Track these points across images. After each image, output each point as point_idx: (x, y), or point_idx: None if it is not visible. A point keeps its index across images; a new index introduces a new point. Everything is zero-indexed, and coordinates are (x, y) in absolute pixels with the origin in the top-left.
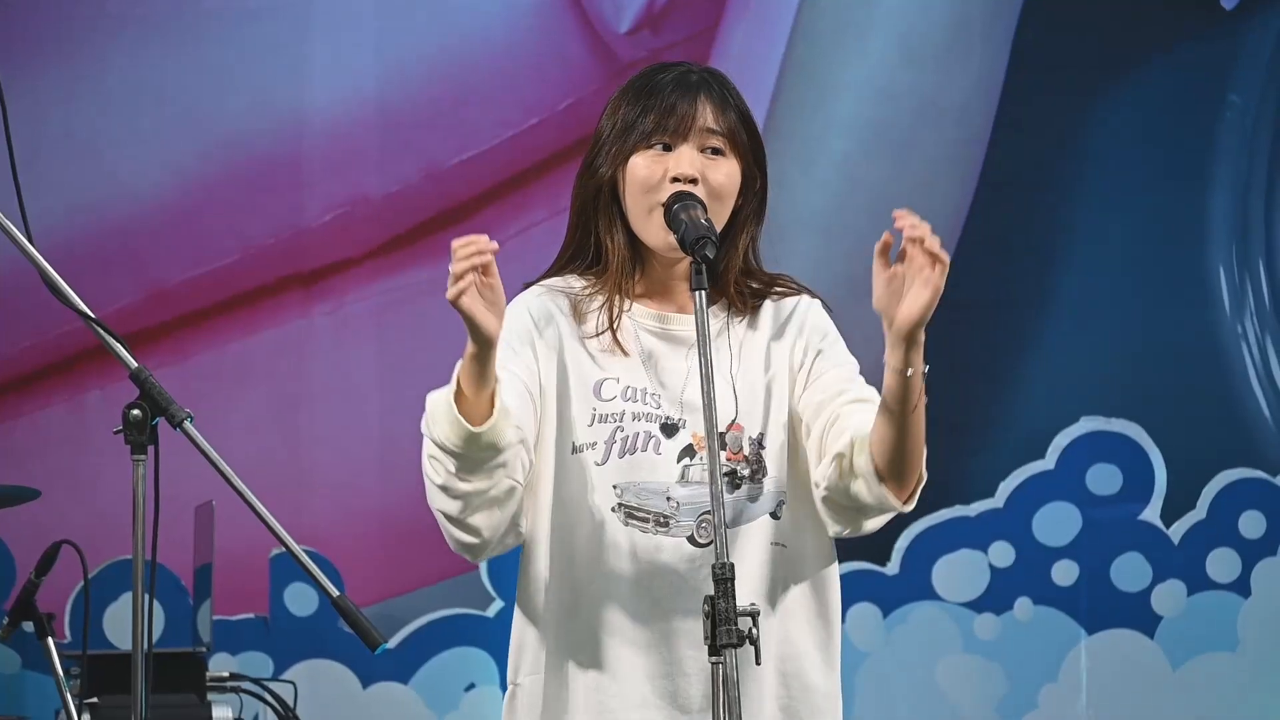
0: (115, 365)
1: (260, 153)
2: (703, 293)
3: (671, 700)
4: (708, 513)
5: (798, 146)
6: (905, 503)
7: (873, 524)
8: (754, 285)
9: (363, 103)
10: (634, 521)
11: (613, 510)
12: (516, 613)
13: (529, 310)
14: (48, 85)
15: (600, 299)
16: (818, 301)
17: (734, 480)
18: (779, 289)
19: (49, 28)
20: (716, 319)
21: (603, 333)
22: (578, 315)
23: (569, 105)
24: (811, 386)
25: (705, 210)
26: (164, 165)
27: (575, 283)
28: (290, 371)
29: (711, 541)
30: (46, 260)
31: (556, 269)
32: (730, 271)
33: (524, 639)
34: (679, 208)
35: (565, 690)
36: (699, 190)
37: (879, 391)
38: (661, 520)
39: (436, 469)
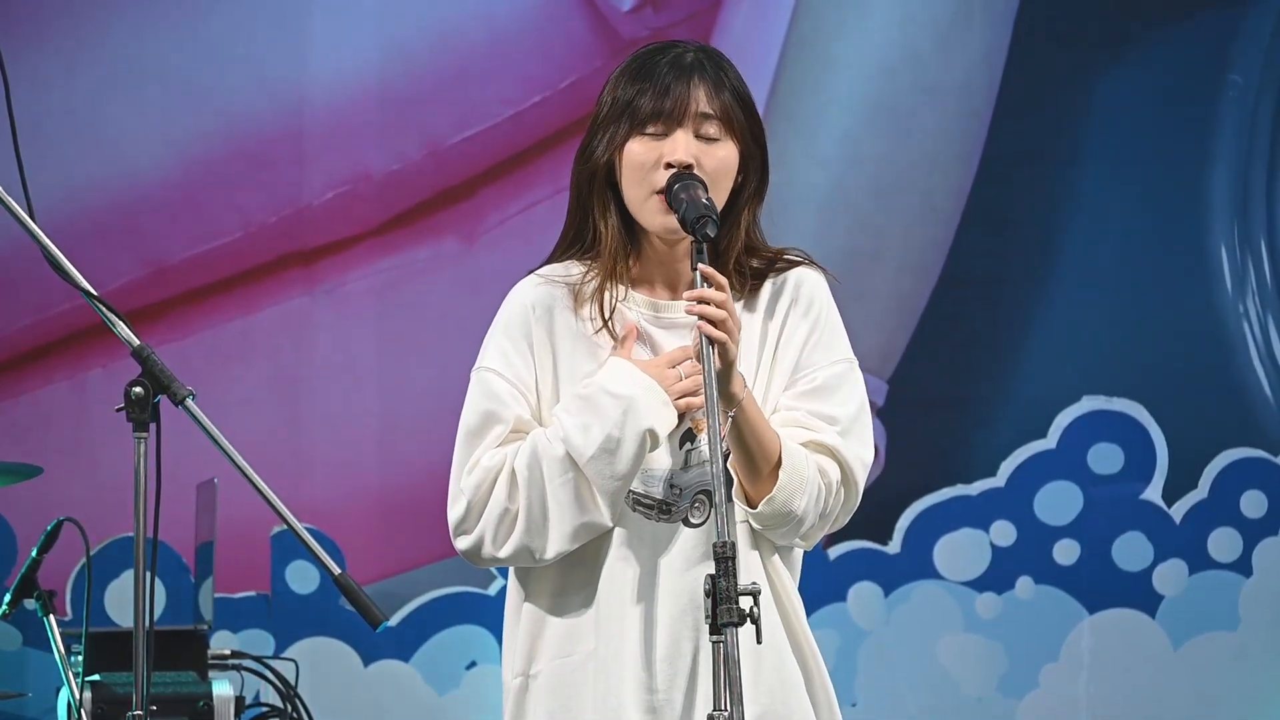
0: (117, 343)
1: (261, 130)
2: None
3: (668, 686)
4: (701, 493)
5: (799, 123)
6: (758, 505)
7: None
8: (755, 264)
9: (364, 80)
10: (640, 508)
11: None
12: (526, 606)
13: (529, 303)
14: (50, 61)
15: (596, 285)
16: (818, 274)
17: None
18: (781, 265)
19: (51, 4)
20: None
21: (599, 331)
22: (577, 304)
23: (570, 83)
24: (791, 397)
25: (707, 190)
26: (166, 142)
27: (574, 269)
28: (292, 349)
29: (703, 523)
30: (48, 237)
31: (559, 253)
32: (731, 251)
33: (536, 628)
34: (679, 187)
35: (577, 674)
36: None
37: (859, 385)
38: (664, 508)
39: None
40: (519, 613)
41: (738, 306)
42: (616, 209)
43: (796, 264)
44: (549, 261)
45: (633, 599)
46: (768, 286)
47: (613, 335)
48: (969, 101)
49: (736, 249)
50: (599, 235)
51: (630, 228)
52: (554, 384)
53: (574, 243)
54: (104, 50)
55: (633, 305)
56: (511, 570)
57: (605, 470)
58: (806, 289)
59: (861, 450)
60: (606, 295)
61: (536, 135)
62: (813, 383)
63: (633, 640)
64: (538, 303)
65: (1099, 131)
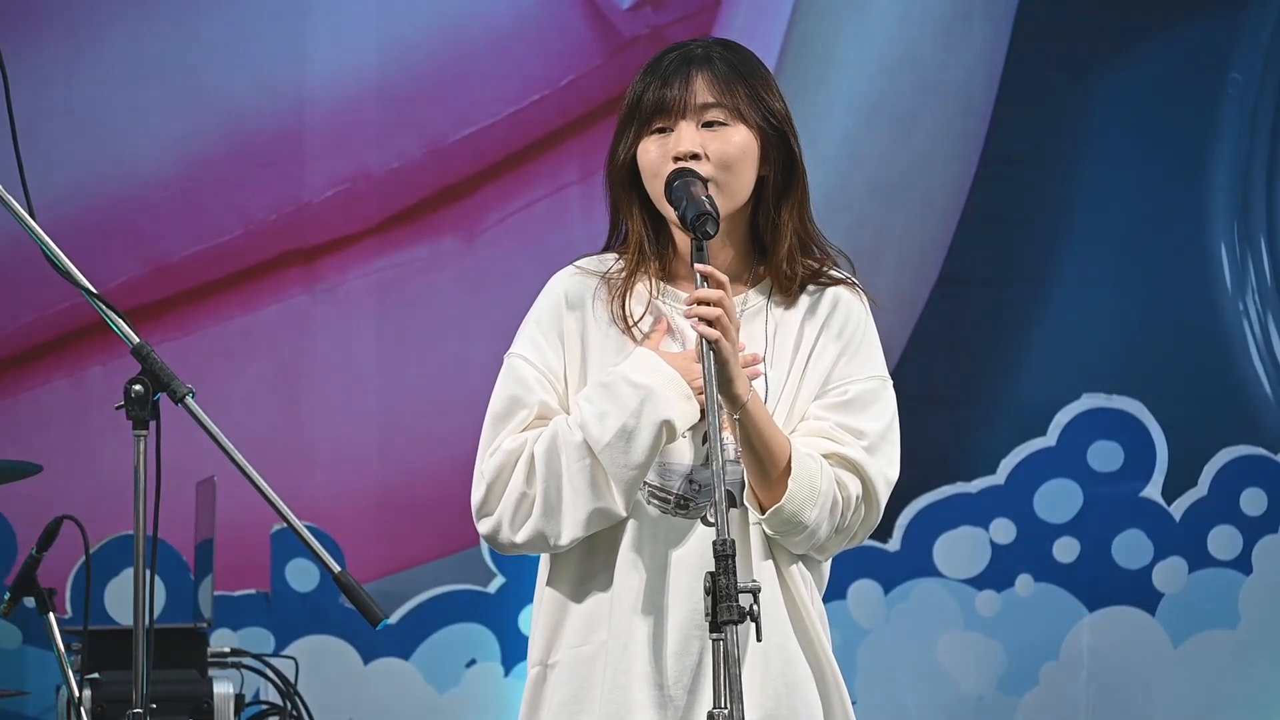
0: (117, 341)
1: (262, 128)
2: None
3: (676, 682)
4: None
5: (799, 123)
6: (769, 511)
7: (803, 546)
8: (803, 267)
9: (364, 78)
10: (656, 500)
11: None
12: (548, 592)
13: (564, 293)
14: (49, 60)
15: (630, 280)
16: (853, 295)
17: None
18: (823, 280)
19: (51, 4)
20: (756, 300)
21: (636, 323)
22: (610, 296)
23: (570, 81)
24: (820, 407)
25: (706, 186)
26: (166, 140)
27: (610, 262)
28: (292, 347)
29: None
30: (49, 235)
31: (608, 244)
32: (781, 245)
33: (558, 616)
34: (679, 184)
35: (590, 664)
36: (703, 166)
37: (889, 388)
38: (682, 503)
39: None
40: (542, 600)
41: (779, 309)
42: (641, 207)
43: (837, 282)
44: (600, 251)
45: (646, 593)
46: (805, 299)
47: (631, 335)
48: (969, 101)
49: (787, 244)
50: (627, 232)
51: (659, 225)
52: (582, 374)
53: (620, 238)
54: (104, 50)
55: (667, 299)
56: (541, 560)
57: (619, 459)
58: (841, 310)
59: (887, 468)
60: (633, 291)
61: (536, 133)
62: (843, 396)
63: (643, 634)
64: (570, 293)
65: (1099, 131)
